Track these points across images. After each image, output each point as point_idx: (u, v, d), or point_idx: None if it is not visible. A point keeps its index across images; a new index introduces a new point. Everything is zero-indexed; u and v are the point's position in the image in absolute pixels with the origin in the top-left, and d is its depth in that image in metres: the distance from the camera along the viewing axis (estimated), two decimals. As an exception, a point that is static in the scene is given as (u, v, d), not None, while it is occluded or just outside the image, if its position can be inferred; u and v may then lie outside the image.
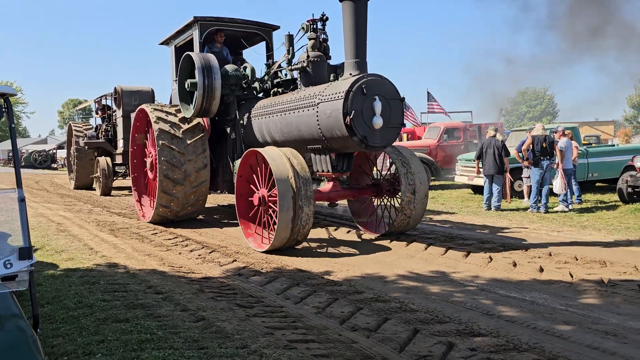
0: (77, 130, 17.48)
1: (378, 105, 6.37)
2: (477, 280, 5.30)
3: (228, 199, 13.44)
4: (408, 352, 3.47)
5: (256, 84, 9.07)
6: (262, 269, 5.89)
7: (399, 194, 7.37)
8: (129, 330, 3.80)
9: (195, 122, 9.12)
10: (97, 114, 17.93)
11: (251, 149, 7.05)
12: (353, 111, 6.20)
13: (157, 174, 8.83)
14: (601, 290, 4.86)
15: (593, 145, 14.39)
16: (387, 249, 6.97)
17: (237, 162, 8.12)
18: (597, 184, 14.34)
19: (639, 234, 7.93)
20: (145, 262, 6.27)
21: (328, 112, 6.48)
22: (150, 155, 9.53)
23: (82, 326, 3.92)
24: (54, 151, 42.47)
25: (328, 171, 7.02)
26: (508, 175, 11.76)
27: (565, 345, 3.53)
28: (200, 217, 9.98)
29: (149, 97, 15.42)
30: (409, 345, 3.57)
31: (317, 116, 6.69)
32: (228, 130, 9.12)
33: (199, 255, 6.69)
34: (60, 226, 9.10)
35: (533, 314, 4.21)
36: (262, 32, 10.16)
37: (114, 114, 16.15)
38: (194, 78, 8.69)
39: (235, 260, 6.31)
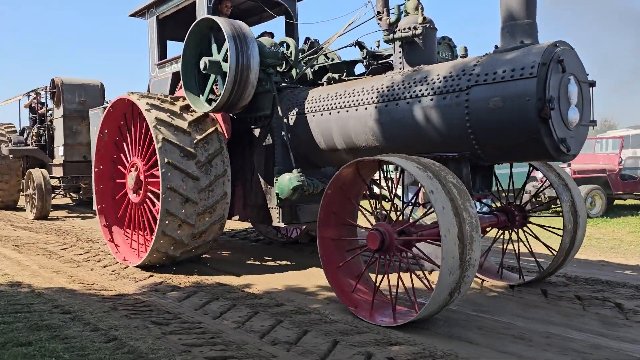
0: (-3, 134, 13.62)
1: (574, 90, 4.05)
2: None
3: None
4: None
5: (299, 67, 6.40)
6: (180, 283, 5.72)
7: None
8: (31, 355, 3.57)
9: (206, 117, 6.28)
10: (33, 113, 13.89)
11: (366, 158, 4.37)
12: (553, 98, 3.82)
13: (144, 195, 5.89)
14: (508, 295, 5.06)
15: None
16: (308, 257, 6.87)
17: (291, 178, 5.44)
18: None
19: None
20: (52, 279, 5.96)
21: (495, 101, 4.02)
22: (134, 168, 6.51)
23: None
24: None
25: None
26: None
27: (478, 351, 3.64)
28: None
29: (98, 92, 12.08)
30: (329, 357, 3.58)
31: (466, 106, 4.22)
32: (257, 132, 6.36)
33: (113, 270, 6.43)
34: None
35: (447, 321, 4.26)
36: (284, 1, 7.48)
37: (49, 113, 12.52)
38: (211, 55, 5.91)
39: (152, 276, 6.07)
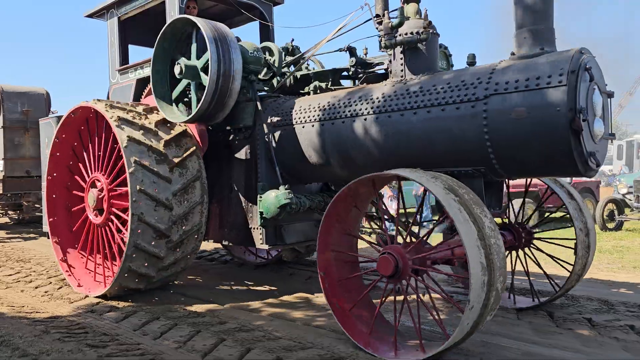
0: None
1: (599, 101, 3.79)
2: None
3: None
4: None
5: (281, 75, 5.91)
6: (118, 303, 5.45)
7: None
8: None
9: (179, 129, 5.67)
10: None
11: (379, 173, 3.92)
12: (583, 108, 3.53)
13: (107, 217, 5.19)
14: (448, 306, 5.07)
15: None
16: (271, 276, 6.82)
17: (278, 195, 4.94)
18: None
19: None
20: (-23, 303, 5.56)
21: (519, 111, 3.69)
22: (96, 186, 5.79)
23: None
24: None
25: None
26: None
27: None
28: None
29: (43, 101, 11.10)
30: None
31: (483, 117, 3.86)
32: (236, 145, 5.80)
33: (46, 291, 6.15)
34: None
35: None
36: (260, 5, 6.99)
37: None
38: (188, 59, 5.34)
39: (88, 296, 5.78)
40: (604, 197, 12.52)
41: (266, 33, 7.10)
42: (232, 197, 5.86)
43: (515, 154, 3.83)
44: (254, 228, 5.57)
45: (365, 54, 5.60)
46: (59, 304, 5.57)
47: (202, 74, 5.19)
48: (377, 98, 4.58)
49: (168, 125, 5.64)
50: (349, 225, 4.22)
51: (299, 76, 6.13)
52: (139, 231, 5.06)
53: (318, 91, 5.74)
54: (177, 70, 5.27)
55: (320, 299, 5.50)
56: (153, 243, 5.19)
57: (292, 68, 6.22)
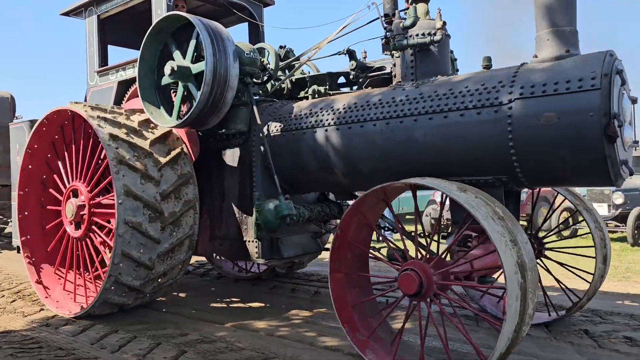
0: None
1: (628, 106, 3.61)
2: (302, 313, 5.37)
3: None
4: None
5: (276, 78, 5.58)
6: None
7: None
8: None
9: (169, 135, 5.27)
10: None
11: (396, 182, 3.62)
12: (617, 114, 3.33)
13: (88, 228, 4.74)
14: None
15: None
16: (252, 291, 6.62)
17: (279, 206, 4.61)
18: None
19: None
20: None
21: (548, 116, 3.46)
22: (75, 195, 5.32)
23: None
24: None
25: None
26: None
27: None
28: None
29: (7, 106, 10.45)
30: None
31: (508, 123, 3.63)
32: (229, 152, 5.43)
33: None
34: None
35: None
36: (250, 5, 6.67)
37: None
38: (174, 60, 4.97)
39: (43, 309, 5.59)
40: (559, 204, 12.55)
41: (256, 35, 6.77)
42: (223, 208, 5.47)
43: (542, 162, 3.60)
44: (248, 241, 5.20)
45: (365, 58, 5.35)
46: (12, 317, 5.35)
47: (194, 70, 4.83)
48: (387, 102, 4.30)
49: (151, 125, 5.25)
50: (361, 240, 3.92)
51: (293, 80, 5.83)
52: (126, 236, 4.61)
53: (316, 95, 5.44)
54: (167, 70, 4.87)
55: (284, 308, 5.59)
56: (142, 251, 4.74)
57: (286, 72, 5.90)
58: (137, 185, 4.69)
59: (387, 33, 4.40)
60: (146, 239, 4.72)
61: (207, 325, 4.99)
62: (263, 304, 5.83)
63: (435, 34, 4.20)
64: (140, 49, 5.11)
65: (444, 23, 4.22)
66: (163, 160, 4.97)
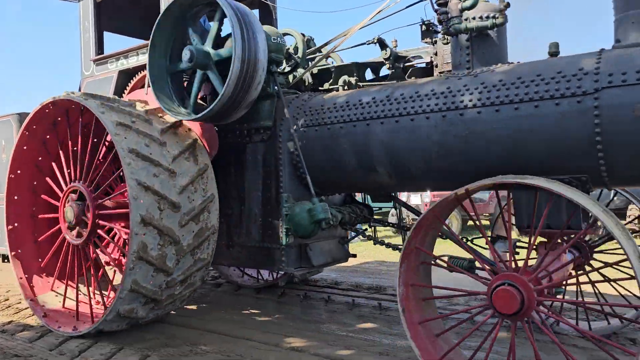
0: None
1: None
2: (270, 314, 5.37)
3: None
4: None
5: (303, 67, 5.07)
6: (33, 321, 5.16)
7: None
8: None
9: (178, 125, 4.71)
10: None
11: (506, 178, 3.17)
12: None
13: (92, 234, 4.13)
14: (376, 313, 5.25)
15: None
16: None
17: (314, 209, 4.12)
18: None
19: None
20: None
21: (643, 107, 3.07)
22: (74, 197, 4.69)
23: None
24: None
25: (568, 228, 3.46)
26: None
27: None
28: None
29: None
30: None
31: (595, 114, 3.21)
32: (252, 148, 4.88)
33: None
34: None
35: (319, 342, 4.33)
36: (262, -11, 6.13)
37: None
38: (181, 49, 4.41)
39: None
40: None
41: (269, 22, 6.23)
42: (243, 211, 4.92)
43: (633, 159, 3.20)
44: (275, 248, 4.67)
45: (395, 47, 4.90)
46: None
47: (213, 56, 4.29)
48: (442, 93, 3.84)
49: (160, 115, 4.68)
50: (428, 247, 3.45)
51: (316, 71, 5.33)
52: (142, 236, 4.00)
53: (346, 87, 4.95)
54: (185, 55, 4.31)
55: (251, 309, 5.51)
56: (160, 252, 4.14)
57: (309, 63, 5.40)
58: (150, 178, 4.10)
59: (441, 16, 3.94)
60: (163, 238, 4.13)
61: (172, 328, 4.87)
62: (230, 308, 5.59)
63: (497, 17, 3.76)
64: (152, 33, 4.52)
65: (507, 5, 3.78)
66: (178, 151, 4.40)
